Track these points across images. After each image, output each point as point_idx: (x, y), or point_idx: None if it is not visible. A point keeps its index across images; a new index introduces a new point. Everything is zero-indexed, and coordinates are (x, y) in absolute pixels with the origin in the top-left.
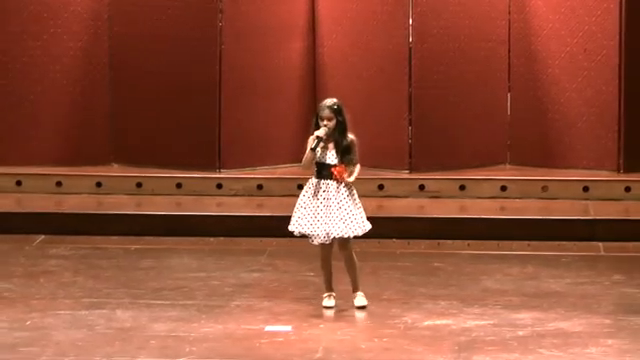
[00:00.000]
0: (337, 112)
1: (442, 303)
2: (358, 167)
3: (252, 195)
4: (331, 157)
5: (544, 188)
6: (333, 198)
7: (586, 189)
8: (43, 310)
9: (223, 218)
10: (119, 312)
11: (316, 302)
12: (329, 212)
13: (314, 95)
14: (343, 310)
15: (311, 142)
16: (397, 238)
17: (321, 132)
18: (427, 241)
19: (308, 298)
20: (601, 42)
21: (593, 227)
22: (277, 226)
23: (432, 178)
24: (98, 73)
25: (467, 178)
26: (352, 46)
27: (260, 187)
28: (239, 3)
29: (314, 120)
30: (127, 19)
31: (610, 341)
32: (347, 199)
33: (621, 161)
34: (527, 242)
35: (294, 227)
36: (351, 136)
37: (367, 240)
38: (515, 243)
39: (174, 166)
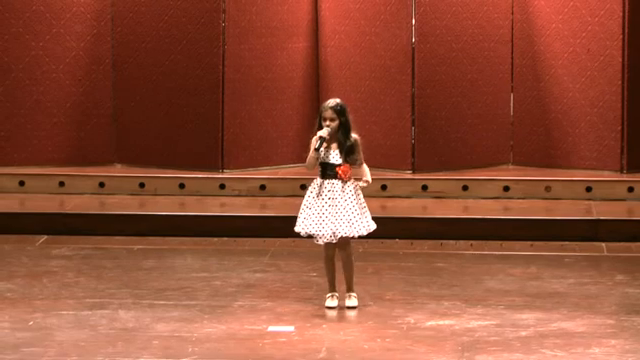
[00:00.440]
0: (340, 112)
1: (445, 303)
2: (365, 167)
3: (255, 195)
4: (335, 157)
5: (547, 188)
6: (339, 198)
7: (589, 189)
8: (46, 310)
9: (226, 218)
10: (122, 312)
11: (319, 302)
12: (335, 212)
13: (317, 95)
14: (346, 310)
15: (314, 142)
16: (400, 238)
17: (324, 132)
18: (430, 241)
19: (311, 298)
20: (604, 42)
21: (596, 227)
22: (280, 226)
23: (435, 178)
24: (101, 73)
25: (470, 178)
26: (355, 46)
27: (263, 187)
28: (242, 3)
29: (317, 120)
30: (130, 19)
31: (613, 341)
32: (353, 199)
33: (624, 161)
34: (530, 242)
35: (300, 228)
36: (355, 136)
37: (370, 240)
38: (518, 243)
39: (177, 166)
